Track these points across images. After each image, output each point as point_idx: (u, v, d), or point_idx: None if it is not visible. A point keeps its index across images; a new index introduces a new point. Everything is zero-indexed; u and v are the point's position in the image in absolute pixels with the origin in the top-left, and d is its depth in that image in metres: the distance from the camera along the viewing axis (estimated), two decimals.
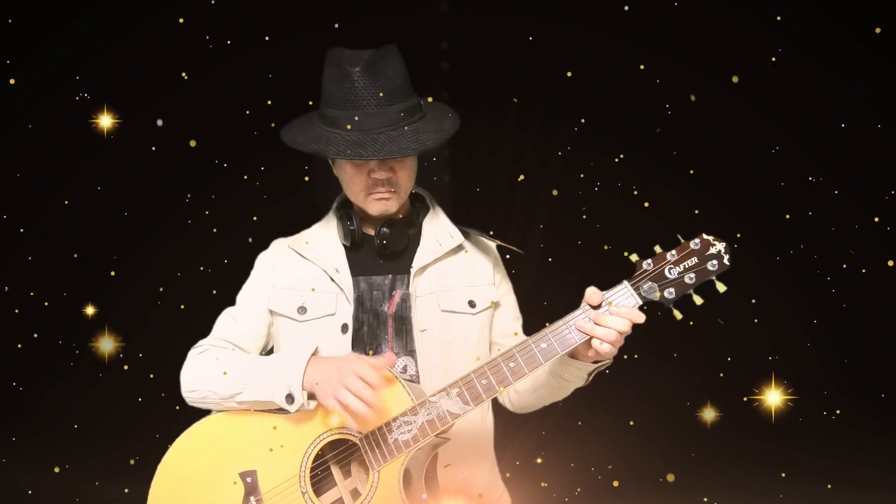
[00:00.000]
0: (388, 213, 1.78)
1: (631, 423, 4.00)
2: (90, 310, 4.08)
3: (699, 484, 3.78)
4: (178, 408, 1.83)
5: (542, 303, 2.29)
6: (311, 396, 1.62)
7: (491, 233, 1.86)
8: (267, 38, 3.54)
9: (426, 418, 1.57)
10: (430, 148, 1.72)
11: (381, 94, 1.68)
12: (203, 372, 1.74)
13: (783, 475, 3.91)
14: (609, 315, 1.51)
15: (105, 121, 2.70)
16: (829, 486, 3.81)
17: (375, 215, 1.78)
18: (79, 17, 3.81)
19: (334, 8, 3.64)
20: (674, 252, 1.54)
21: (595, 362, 1.62)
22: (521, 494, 1.91)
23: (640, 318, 1.52)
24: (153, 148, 3.66)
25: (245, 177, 3.15)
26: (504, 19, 3.90)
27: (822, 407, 4.39)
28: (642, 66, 3.47)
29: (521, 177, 3.90)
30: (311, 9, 3.70)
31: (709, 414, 4.11)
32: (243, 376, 1.67)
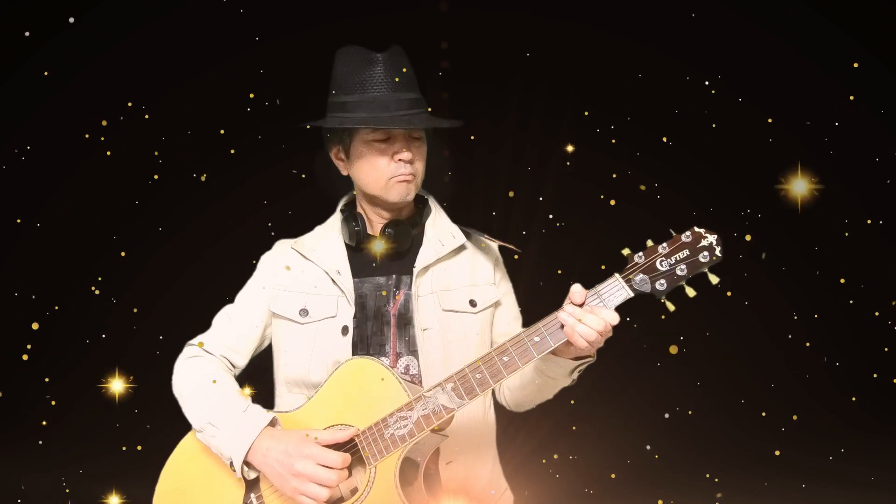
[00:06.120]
0: (407, 198, 1.80)
1: (629, 422, 4.01)
2: (91, 310, 4.09)
3: (699, 483, 3.78)
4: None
5: (541, 300, 2.29)
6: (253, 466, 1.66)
7: (502, 243, 1.86)
8: (267, 39, 3.54)
9: (422, 413, 1.57)
10: (453, 126, 1.81)
11: (400, 81, 1.76)
12: (184, 388, 1.78)
13: (783, 475, 3.92)
14: (590, 314, 1.52)
15: None
16: (829, 486, 3.82)
17: (396, 201, 1.80)
18: (79, 17, 3.82)
19: (334, 8, 3.64)
20: (665, 245, 1.54)
21: (577, 358, 1.64)
22: (525, 491, 1.91)
23: (614, 318, 1.52)
24: (155, 151, 3.66)
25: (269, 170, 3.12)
26: (504, 19, 3.90)
27: (822, 407, 4.40)
28: (642, 68, 3.47)
29: (511, 193, 3.91)
30: (311, 9, 3.70)
31: (708, 414, 4.11)
32: (206, 417, 1.71)
